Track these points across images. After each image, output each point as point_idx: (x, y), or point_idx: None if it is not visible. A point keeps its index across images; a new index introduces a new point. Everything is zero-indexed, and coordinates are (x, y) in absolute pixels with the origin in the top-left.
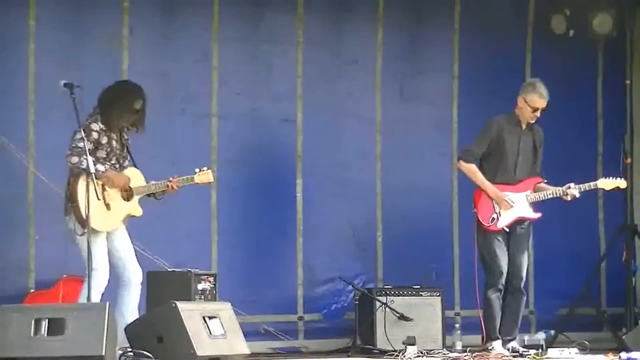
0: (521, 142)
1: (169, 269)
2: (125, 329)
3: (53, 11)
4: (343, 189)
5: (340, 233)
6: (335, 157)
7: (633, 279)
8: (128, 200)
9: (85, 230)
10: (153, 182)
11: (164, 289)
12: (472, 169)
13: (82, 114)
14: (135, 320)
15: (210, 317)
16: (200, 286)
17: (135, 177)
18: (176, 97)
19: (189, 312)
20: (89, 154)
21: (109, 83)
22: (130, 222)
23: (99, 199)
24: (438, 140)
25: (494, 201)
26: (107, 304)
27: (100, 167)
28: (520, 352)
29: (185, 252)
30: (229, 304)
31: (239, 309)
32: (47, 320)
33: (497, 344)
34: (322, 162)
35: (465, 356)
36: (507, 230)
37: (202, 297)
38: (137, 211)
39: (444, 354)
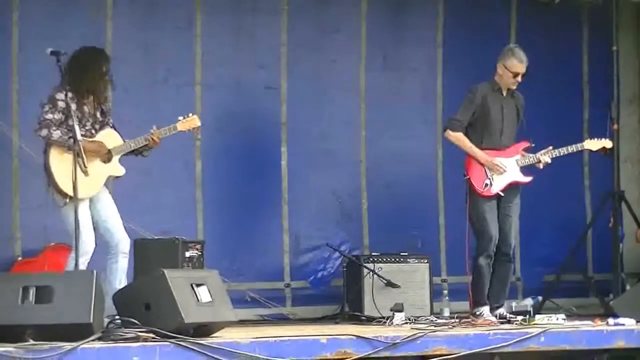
0: (504, 109)
1: (154, 237)
2: (112, 297)
3: None
4: (328, 158)
5: (325, 201)
6: (320, 125)
7: (620, 245)
8: (108, 162)
9: (67, 201)
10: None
11: (151, 256)
12: (460, 137)
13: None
14: (122, 288)
15: (197, 285)
16: (187, 254)
17: (111, 137)
18: (160, 66)
19: (177, 279)
20: (61, 125)
21: None
22: (115, 191)
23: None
24: (423, 109)
25: (485, 167)
26: (95, 271)
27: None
28: (508, 319)
29: (171, 221)
30: (216, 271)
31: (225, 277)
32: (34, 288)
33: (485, 310)
34: (307, 131)
35: (453, 322)
36: (502, 194)
37: (190, 265)
38: (118, 171)
39: (432, 320)
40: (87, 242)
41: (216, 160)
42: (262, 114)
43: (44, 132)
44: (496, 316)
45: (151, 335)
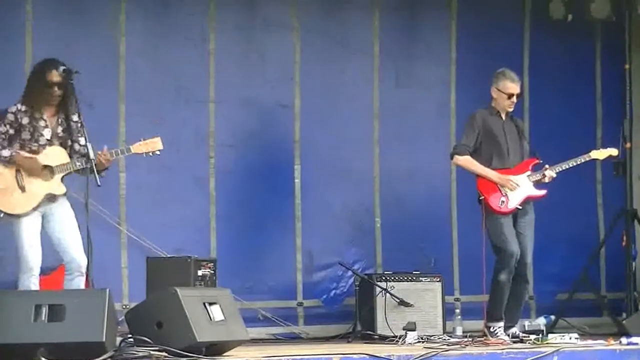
0: (505, 130)
1: (167, 255)
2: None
3: None
4: (341, 175)
5: (339, 218)
6: (333, 142)
7: (633, 264)
8: (50, 179)
9: (2, 216)
10: (79, 158)
11: (164, 275)
12: (468, 159)
13: (80, 100)
14: (135, 306)
15: (210, 303)
16: (200, 272)
17: (56, 155)
18: (173, 82)
19: (189, 298)
20: (11, 139)
21: (107, 68)
22: (127, 208)
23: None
24: (436, 126)
25: (498, 185)
26: (107, 290)
27: (5, 153)
28: (521, 338)
29: (183, 238)
30: (229, 290)
31: (238, 296)
32: (47, 306)
33: (500, 326)
34: (320, 148)
35: (466, 341)
36: (520, 207)
37: (202, 283)
38: (58, 189)
39: (445, 339)
40: (31, 259)
41: (229, 177)
42: (275, 130)
43: None
44: (509, 335)
45: (163, 354)
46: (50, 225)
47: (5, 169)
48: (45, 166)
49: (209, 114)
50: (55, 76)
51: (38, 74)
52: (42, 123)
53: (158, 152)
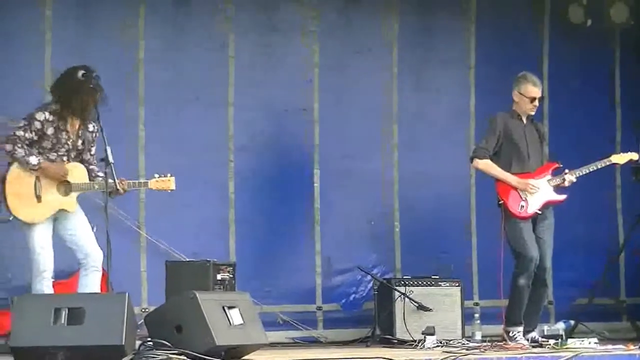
0: (527, 134)
1: (185, 259)
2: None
3: (69, 0)
4: (360, 179)
5: (358, 223)
6: (352, 146)
7: None
8: (66, 195)
9: (10, 218)
10: (99, 180)
11: (183, 278)
12: (488, 163)
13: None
14: (154, 310)
15: (229, 307)
16: (219, 276)
17: (77, 173)
18: (191, 86)
19: (208, 301)
20: (31, 145)
21: (126, 73)
22: (147, 212)
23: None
24: (454, 130)
25: (518, 189)
26: (127, 294)
27: (33, 160)
28: (540, 342)
29: (202, 242)
30: (248, 293)
31: (257, 299)
32: (66, 310)
33: (519, 330)
34: (338, 152)
35: (484, 346)
36: (540, 212)
37: (221, 287)
38: (71, 207)
39: (463, 343)
40: (43, 262)
41: (248, 181)
42: (294, 134)
43: (8, 147)
44: (528, 340)
45: (182, 357)
46: (62, 225)
47: (25, 174)
48: (65, 181)
49: (228, 118)
50: (94, 84)
51: (77, 83)
52: (64, 135)
53: (169, 191)
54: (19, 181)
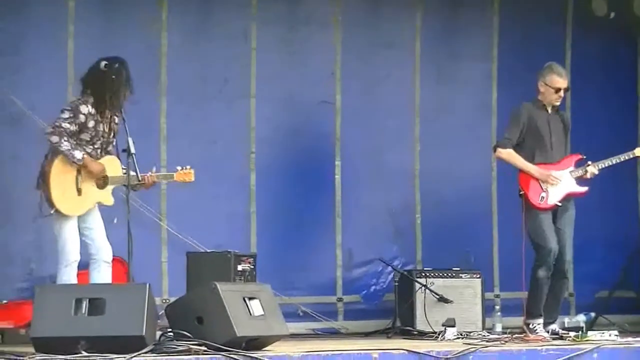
0: (551, 124)
1: (207, 250)
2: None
3: None
4: (381, 172)
5: (379, 215)
6: (373, 139)
7: None
8: (102, 188)
9: (52, 212)
10: (132, 173)
11: (204, 270)
12: (511, 154)
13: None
14: (175, 301)
15: (250, 298)
16: (240, 267)
17: (112, 166)
18: (214, 79)
19: (229, 292)
20: (72, 136)
21: (149, 65)
22: (168, 204)
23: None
24: (477, 124)
25: (539, 180)
26: (148, 284)
27: (78, 154)
28: (560, 335)
29: (224, 234)
30: (269, 285)
31: (278, 291)
32: (87, 300)
33: (539, 323)
34: (360, 145)
35: (505, 338)
36: (560, 204)
37: (242, 278)
38: (108, 200)
39: (484, 335)
40: (70, 252)
41: (270, 173)
42: (316, 127)
43: (55, 138)
44: (549, 332)
45: (203, 348)
46: (82, 219)
47: (67, 167)
48: (104, 175)
49: (250, 110)
50: (128, 77)
51: (115, 76)
52: (101, 127)
53: (189, 182)
54: (62, 174)
